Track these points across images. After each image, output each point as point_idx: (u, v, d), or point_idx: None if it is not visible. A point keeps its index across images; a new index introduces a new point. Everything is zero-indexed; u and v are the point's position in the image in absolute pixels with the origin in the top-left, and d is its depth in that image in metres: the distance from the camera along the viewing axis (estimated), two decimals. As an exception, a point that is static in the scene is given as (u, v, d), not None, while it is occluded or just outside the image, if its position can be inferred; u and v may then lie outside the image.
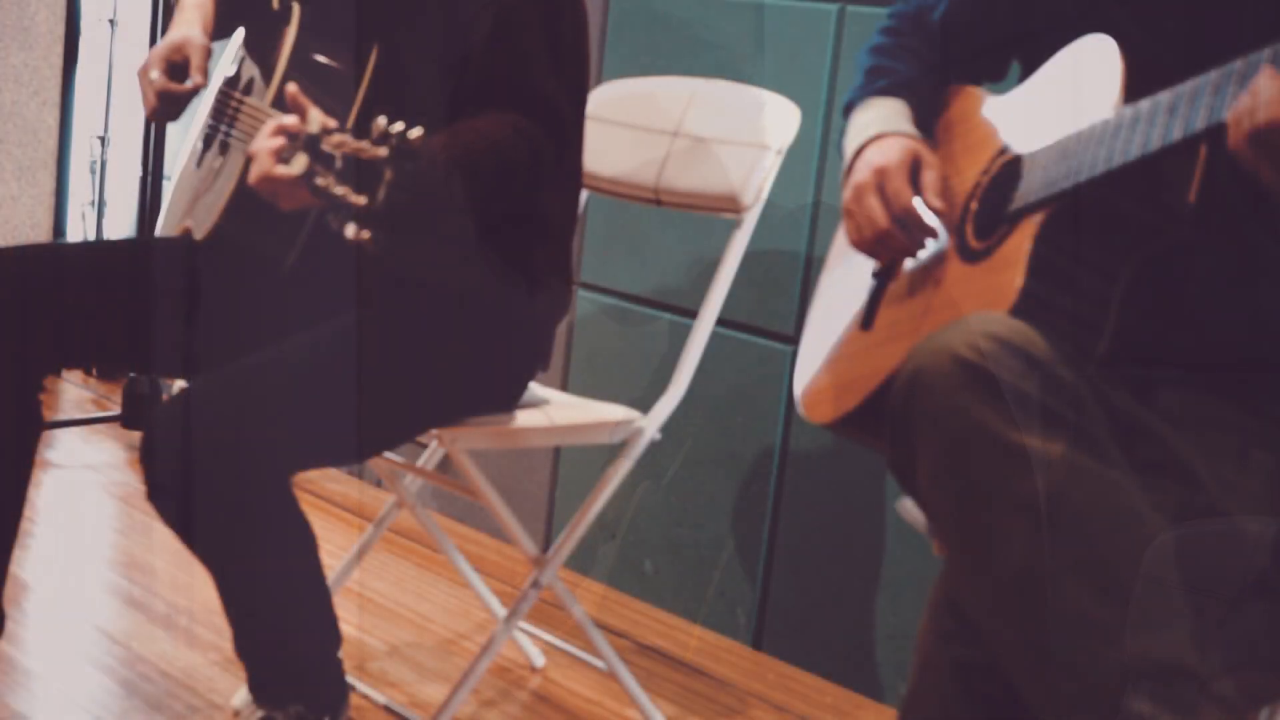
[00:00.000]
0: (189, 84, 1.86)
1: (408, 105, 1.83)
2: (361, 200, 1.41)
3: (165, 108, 1.87)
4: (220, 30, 1.99)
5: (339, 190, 1.42)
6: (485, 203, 1.71)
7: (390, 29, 1.83)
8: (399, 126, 1.42)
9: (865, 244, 1.59)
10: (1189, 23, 1.41)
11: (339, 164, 1.43)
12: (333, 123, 1.47)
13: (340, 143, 1.42)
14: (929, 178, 1.56)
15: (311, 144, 1.44)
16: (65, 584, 2.64)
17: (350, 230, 1.42)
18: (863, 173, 1.58)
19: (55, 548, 2.80)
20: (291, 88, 1.56)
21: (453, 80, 1.80)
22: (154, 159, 3.49)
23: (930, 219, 1.54)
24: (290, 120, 1.55)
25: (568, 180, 1.94)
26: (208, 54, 1.87)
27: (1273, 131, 1.14)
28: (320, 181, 1.43)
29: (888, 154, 1.57)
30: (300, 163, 1.44)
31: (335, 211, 1.43)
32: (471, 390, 1.90)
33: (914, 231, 1.54)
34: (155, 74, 1.85)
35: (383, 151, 1.41)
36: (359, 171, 1.41)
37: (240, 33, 2.06)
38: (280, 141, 1.55)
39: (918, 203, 1.54)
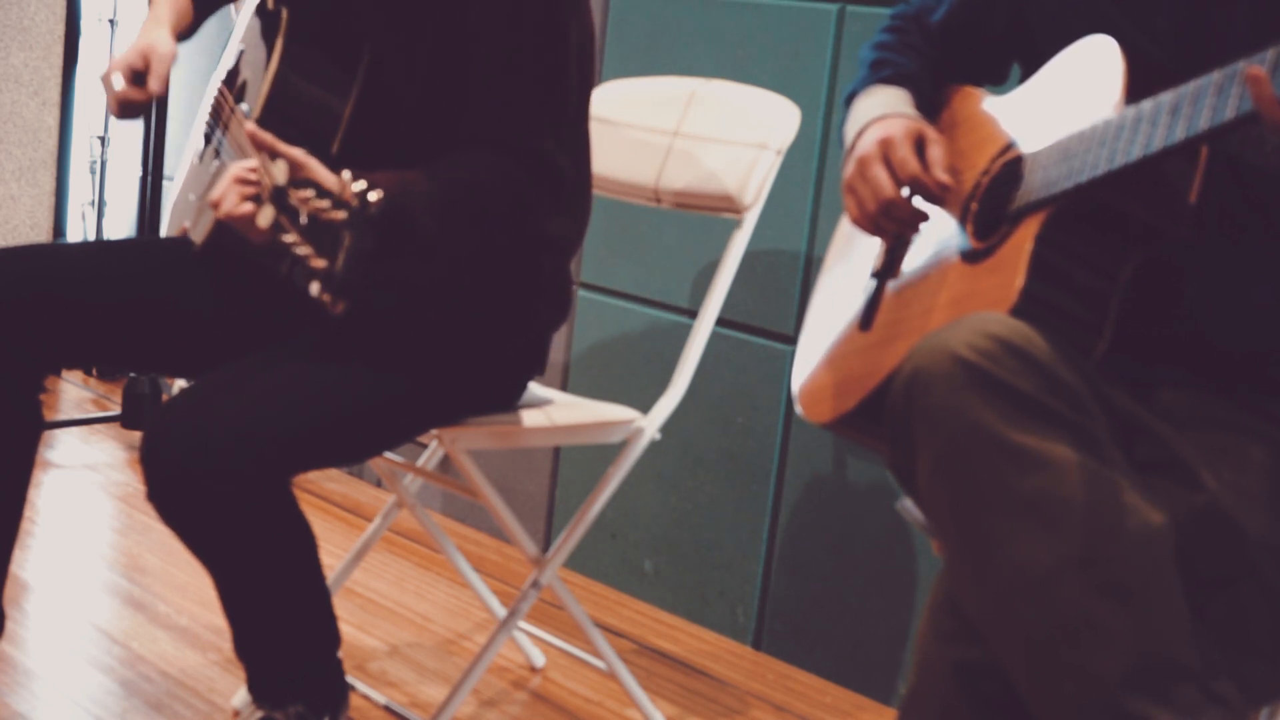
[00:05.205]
0: (146, 93, 1.92)
1: (397, 119, 1.82)
2: (322, 264, 1.37)
3: (124, 112, 1.94)
4: (201, 13, 2.01)
5: (302, 251, 1.37)
6: (460, 247, 1.71)
7: (381, 39, 1.81)
8: (360, 186, 1.38)
9: (869, 217, 1.56)
10: (1189, 23, 1.41)
11: (304, 219, 1.38)
12: (302, 169, 1.46)
13: (304, 198, 1.38)
14: (935, 152, 1.54)
15: (279, 196, 1.39)
16: (65, 584, 2.64)
17: (314, 289, 1.38)
18: (867, 146, 1.56)
19: (55, 548, 2.80)
20: (250, 128, 1.53)
21: (447, 100, 1.78)
22: (154, 159, 3.49)
23: (936, 192, 1.52)
24: (251, 173, 1.58)
25: (577, 198, 1.93)
26: (171, 61, 1.92)
27: None
28: (286, 238, 1.38)
29: (892, 129, 1.56)
30: (267, 215, 1.39)
31: (298, 269, 1.39)
32: (471, 391, 1.90)
33: (922, 198, 1.53)
34: (118, 81, 1.91)
35: (342, 215, 1.37)
36: (320, 232, 1.37)
37: (241, 25, 2.05)
38: (246, 190, 1.58)
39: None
